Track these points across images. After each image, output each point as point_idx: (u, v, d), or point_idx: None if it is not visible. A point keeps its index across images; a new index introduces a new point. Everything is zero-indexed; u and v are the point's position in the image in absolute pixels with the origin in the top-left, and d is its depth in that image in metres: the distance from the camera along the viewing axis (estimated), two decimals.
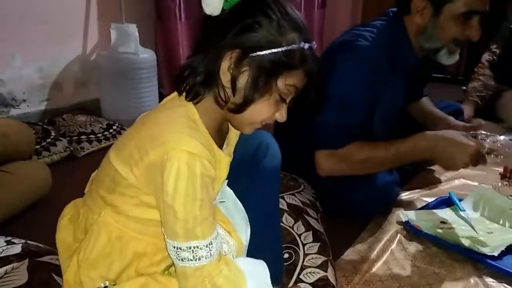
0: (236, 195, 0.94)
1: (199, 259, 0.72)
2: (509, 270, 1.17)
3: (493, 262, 1.20)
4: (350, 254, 1.27)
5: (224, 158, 0.83)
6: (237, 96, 0.75)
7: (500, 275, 1.17)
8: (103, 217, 0.79)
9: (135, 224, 0.79)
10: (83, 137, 1.95)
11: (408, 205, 1.53)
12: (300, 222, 1.23)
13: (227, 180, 0.91)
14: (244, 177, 0.93)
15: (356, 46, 1.31)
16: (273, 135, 1.52)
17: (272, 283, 1.00)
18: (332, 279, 1.08)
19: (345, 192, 1.39)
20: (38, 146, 1.75)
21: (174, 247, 0.72)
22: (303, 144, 1.40)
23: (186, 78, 0.76)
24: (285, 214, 1.25)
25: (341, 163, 1.32)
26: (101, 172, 0.83)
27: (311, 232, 1.20)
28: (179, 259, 0.72)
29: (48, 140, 1.84)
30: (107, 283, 0.79)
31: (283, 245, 1.15)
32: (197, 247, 0.71)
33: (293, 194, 1.36)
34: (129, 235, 0.79)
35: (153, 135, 0.73)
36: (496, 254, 1.20)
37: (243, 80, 0.74)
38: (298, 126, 1.43)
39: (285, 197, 1.33)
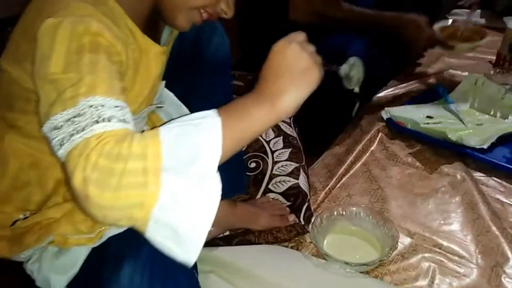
0: (179, 98, 0.78)
1: (83, 129, 0.46)
2: (499, 162, 1.07)
3: (482, 155, 1.09)
4: (326, 158, 1.15)
5: (153, 48, 0.66)
6: None
7: (490, 168, 1.07)
8: (8, 142, 0.64)
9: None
10: None
11: (392, 102, 1.39)
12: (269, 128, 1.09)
13: (164, 82, 0.75)
14: (186, 72, 0.77)
15: None
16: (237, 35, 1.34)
17: (235, 192, 0.90)
18: (304, 187, 0.97)
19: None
20: None
21: (51, 130, 0.48)
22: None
23: None
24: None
25: None
26: None
27: (281, 138, 1.07)
28: (60, 145, 0.47)
29: None
30: (28, 213, 0.66)
31: (249, 154, 1.02)
32: (79, 114, 0.46)
33: None
34: (47, 161, 0.64)
35: (40, 14, 0.55)
36: (485, 146, 1.09)
37: None
38: (268, 23, 1.26)
39: None
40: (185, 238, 0.47)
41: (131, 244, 0.62)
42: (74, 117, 0.46)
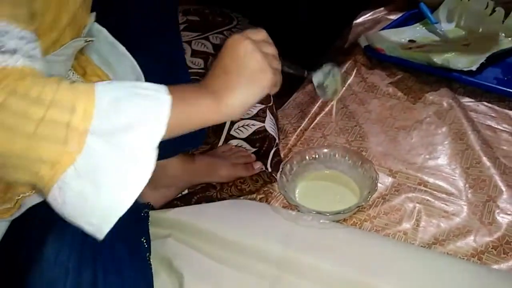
0: (115, 35, 0.63)
1: None
2: (490, 84, 0.96)
3: (471, 79, 0.97)
4: (298, 96, 1.03)
5: None
6: None
7: (480, 92, 0.96)
8: None
9: None
10: None
11: (371, 28, 1.25)
12: None
13: (94, 14, 0.61)
14: (120, 3, 0.63)
15: None
16: None
17: (190, 146, 0.78)
18: (271, 130, 0.85)
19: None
20: None
21: None
22: None
23: None
24: (210, 59, 0.97)
25: None
26: None
27: None
28: None
29: None
30: None
31: None
32: None
33: (221, 33, 1.06)
34: None
35: None
36: (474, 68, 0.97)
37: None
38: None
39: (210, 37, 1.04)
40: (93, 211, 0.41)
41: (56, 214, 0.51)
42: None
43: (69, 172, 0.39)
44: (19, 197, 0.54)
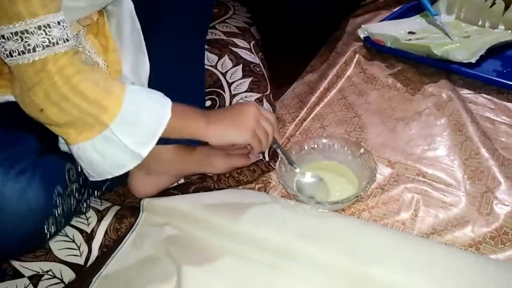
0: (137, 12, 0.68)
1: (34, 50, 0.51)
2: (489, 77, 0.95)
3: (470, 71, 0.97)
4: (297, 87, 1.02)
5: None
6: None
7: (479, 84, 0.96)
8: None
9: None
10: None
11: (370, 19, 1.24)
12: (226, 57, 0.95)
13: None
14: None
15: None
16: None
17: (184, 141, 0.77)
18: None
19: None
20: None
21: None
22: None
23: None
24: (205, 53, 0.96)
25: None
26: None
27: (240, 66, 0.93)
28: (8, 55, 0.52)
29: None
30: None
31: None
32: (26, 31, 0.51)
33: (213, 28, 1.05)
34: None
35: None
36: (474, 60, 0.97)
37: None
38: None
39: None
40: (94, 169, 0.60)
41: None
42: (22, 32, 0.50)
43: (87, 144, 0.56)
44: None
